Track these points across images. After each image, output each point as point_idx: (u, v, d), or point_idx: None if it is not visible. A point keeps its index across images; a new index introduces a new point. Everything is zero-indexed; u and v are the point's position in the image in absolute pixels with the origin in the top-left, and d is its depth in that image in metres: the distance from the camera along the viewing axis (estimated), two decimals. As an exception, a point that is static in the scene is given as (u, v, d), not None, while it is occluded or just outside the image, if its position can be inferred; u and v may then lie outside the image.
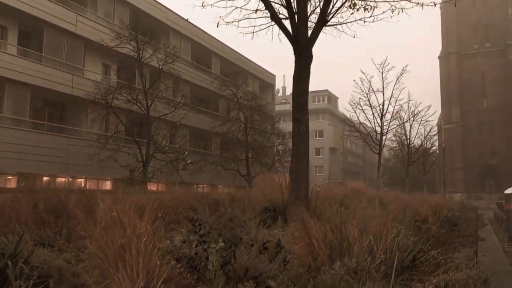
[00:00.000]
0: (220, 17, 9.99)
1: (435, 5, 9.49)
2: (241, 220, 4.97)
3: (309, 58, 10.08)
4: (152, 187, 24.15)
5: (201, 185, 32.86)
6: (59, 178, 22.92)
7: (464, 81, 54.89)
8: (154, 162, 22.37)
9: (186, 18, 32.88)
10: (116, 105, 22.21)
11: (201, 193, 14.44)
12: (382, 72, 17.18)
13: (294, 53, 10.07)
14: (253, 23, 10.19)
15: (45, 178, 21.80)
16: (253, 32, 10.45)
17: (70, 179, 23.03)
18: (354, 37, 10.46)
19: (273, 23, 10.13)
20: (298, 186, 9.38)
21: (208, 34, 33.82)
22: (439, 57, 57.47)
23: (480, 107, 54.05)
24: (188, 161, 25.82)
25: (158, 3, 30.26)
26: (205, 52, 35.40)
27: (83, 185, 23.36)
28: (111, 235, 3.59)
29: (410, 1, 9.40)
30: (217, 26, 9.96)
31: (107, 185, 24.70)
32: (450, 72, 55.69)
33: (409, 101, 23.27)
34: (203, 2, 9.54)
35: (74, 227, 5.83)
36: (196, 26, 33.83)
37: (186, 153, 26.78)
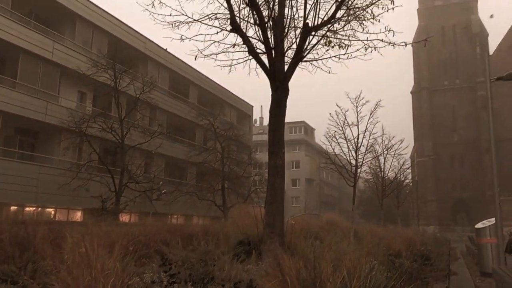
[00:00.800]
0: (199, 50, 10.11)
1: (406, 45, 9.86)
2: (214, 254, 4.89)
3: (286, 92, 10.26)
4: (124, 218, 23.58)
5: (176, 216, 32.29)
6: (28, 208, 22.15)
7: (436, 115, 56.63)
8: (127, 192, 21.92)
9: (165, 48, 33.19)
10: (90, 133, 21.86)
11: (175, 225, 14.18)
12: (356, 106, 17.59)
13: (271, 87, 10.24)
14: (230, 57, 10.35)
15: (13, 208, 21.04)
16: (231, 66, 10.60)
17: (39, 208, 22.29)
18: (329, 73, 10.69)
19: (250, 57, 10.32)
20: (273, 219, 9.33)
21: (186, 63, 34.11)
22: (411, 92, 59.35)
23: (452, 141, 55.63)
24: (163, 191, 25.43)
25: (138, 32, 30.48)
26: (183, 81, 35.58)
27: (52, 215, 22.62)
28: (78, 273, 3.47)
29: (382, 40, 9.72)
30: (195, 59, 10.06)
31: (78, 216, 23.98)
32: (422, 106, 57.43)
33: (383, 134, 23.74)
34: (181, 36, 9.65)
35: (40, 262, 5.60)
36: (175, 56, 34.10)
37: (161, 182, 26.42)
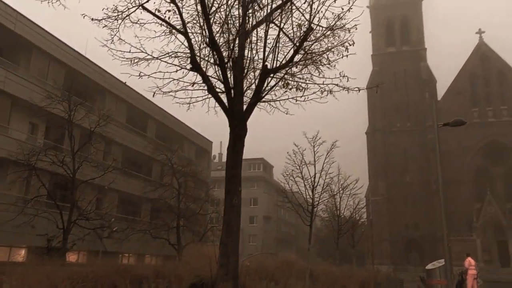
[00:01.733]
0: (157, 86, 10.06)
1: (359, 90, 10.25)
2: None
3: (244, 131, 10.34)
4: (71, 257, 22.32)
5: (127, 255, 30.96)
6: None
7: (389, 156, 58.61)
8: (76, 229, 20.85)
9: (124, 81, 32.82)
10: (40, 166, 20.88)
11: (125, 266, 13.54)
12: (313, 146, 17.88)
13: (229, 126, 10.28)
14: (190, 95, 10.34)
15: None
16: (190, 103, 10.58)
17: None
18: (286, 113, 10.88)
19: (209, 95, 10.38)
20: (228, 261, 9.13)
21: (145, 97, 33.83)
22: (366, 133, 61.39)
23: (404, 182, 57.46)
24: (114, 229, 24.41)
25: (96, 65, 30.06)
26: (142, 115, 35.13)
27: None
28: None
29: (337, 85, 10.07)
30: (153, 95, 9.99)
31: (21, 255, 22.44)
32: (376, 147, 59.39)
33: (339, 174, 24.15)
34: (140, 73, 9.59)
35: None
36: (134, 89, 33.76)
37: (113, 219, 25.39)
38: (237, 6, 10.59)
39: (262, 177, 64.84)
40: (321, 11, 10.22)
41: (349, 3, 10.21)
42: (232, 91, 10.13)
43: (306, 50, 10.60)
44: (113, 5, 9.72)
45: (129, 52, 9.59)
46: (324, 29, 10.47)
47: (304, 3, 10.31)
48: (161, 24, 10.02)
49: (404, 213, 56.09)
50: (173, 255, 27.24)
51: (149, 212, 32.90)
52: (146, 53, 9.73)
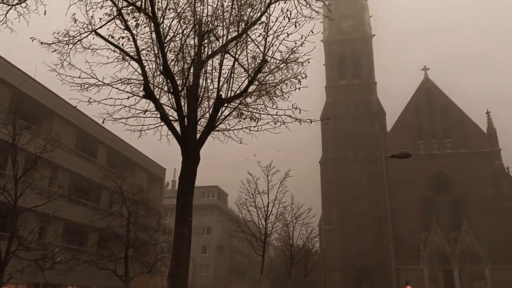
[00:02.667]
0: (108, 113, 9.81)
1: (311, 122, 10.48)
2: None
3: (196, 160, 10.22)
4: (8, 291, 20.77)
5: (71, 287, 29.26)
6: None
7: (341, 185, 59.82)
8: (15, 260, 19.50)
9: (75, 105, 31.75)
10: (-23, 193, 19.56)
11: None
12: (267, 175, 18.03)
13: (182, 154, 10.14)
14: (141, 122, 10.15)
15: None
16: (141, 131, 10.37)
17: None
18: (240, 143, 10.90)
19: (162, 123, 10.24)
20: (176, 294, 8.82)
21: (96, 122, 32.86)
22: (320, 162, 62.56)
23: (356, 211, 58.59)
24: (58, 260, 23.05)
25: (45, 88, 29.03)
26: (92, 140, 34.06)
27: None
28: None
29: (290, 116, 10.25)
30: (103, 122, 9.73)
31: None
32: (329, 176, 60.53)
33: (292, 203, 24.38)
34: (89, 99, 9.34)
35: None
36: (85, 114, 32.77)
37: (57, 250, 24.01)
38: (192, 36, 10.68)
39: (216, 205, 64.12)
40: (275, 45, 10.52)
41: (301, 38, 10.58)
42: (186, 120, 10.06)
43: (261, 81, 10.78)
44: (65, 29, 9.52)
45: (79, 77, 9.34)
46: (278, 61, 10.73)
47: (259, 36, 10.58)
48: (114, 50, 9.89)
49: (355, 242, 56.97)
50: (120, 287, 26.04)
51: (96, 242, 31.46)
52: (97, 79, 9.52)
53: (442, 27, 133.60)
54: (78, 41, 9.61)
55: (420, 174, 56.15)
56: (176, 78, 10.27)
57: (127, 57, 10.04)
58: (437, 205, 55.77)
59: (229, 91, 10.48)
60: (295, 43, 10.61)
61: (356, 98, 63.21)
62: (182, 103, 10.09)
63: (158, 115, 10.02)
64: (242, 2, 10.73)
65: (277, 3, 10.91)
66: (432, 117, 59.26)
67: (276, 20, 10.57)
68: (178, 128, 10.11)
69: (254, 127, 10.54)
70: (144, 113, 10.06)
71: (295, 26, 10.44)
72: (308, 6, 10.85)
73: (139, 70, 10.00)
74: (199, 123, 10.52)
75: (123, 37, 9.74)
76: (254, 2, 10.84)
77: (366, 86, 63.92)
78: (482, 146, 55.19)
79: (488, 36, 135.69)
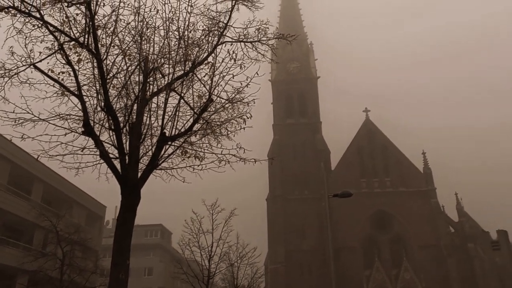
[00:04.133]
0: (43, 149, 9.32)
1: (255, 161, 10.53)
2: None
3: (137, 199, 9.86)
4: None
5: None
6: None
7: (288, 223, 59.96)
8: None
9: (9, 138, 30.00)
10: None
11: None
12: (212, 214, 17.72)
13: (121, 194, 9.75)
14: (79, 159, 9.72)
15: None
16: (79, 168, 9.91)
17: None
18: (183, 182, 10.69)
19: (101, 161, 9.85)
20: None
21: (33, 156, 31.12)
22: (266, 199, 62.66)
23: (301, 249, 58.71)
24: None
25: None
26: (27, 176, 32.08)
27: None
28: None
29: (234, 155, 10.25)
30: (37, 159, 9.21)
31: None
32: (276, 214, 60.59)
33: (237, 242, 24.01)
34: (23, 135, 8.85)
35: None
36: (20, 148, 30.99)
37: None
38: (137, 73, 10.56)
39: (160, 245, 61.83)
40: (221, 85, 10.63)
41: (247, 79, 10.77)
42: (127, 158, 9.75)
43: (206, 119, 10.77)
44: (0, 61, 9.09)
45: (13, 112, 8.86)
46: (224, 101, 10.81)
47: (205, 76, 10.66)
48: (53, 85, 9.53)
49: (301, 281, 56.72)
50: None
51: (25, 286, 29.07)
52: (33, 114, 9.07)
53: (382, 69, 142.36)
54: (15, 74, 9.20)
55: (363, 212, 57.64)
56: (119, 114, 10.03)
57: (67, 92, 9.71)
58: (379, 242, 57.18)
59: (174, 129, 10.36)
60: (241, 84, 10.80)
61: (302, 136, 64.77)
62: (124, 141, 9.82)
63: (98, 153, 9.66)
64: (190, 42, 10.83)
65: (223, 44, 11.12)
66: (374, 157, 61.70)
67: (222, 61, 10.75)
68: (118, 166, 9.78)
69: (198, 165, 10.43)
70: (82, 151, 9.65)
71: (241, 68, 10.65)
72: (254, 49, 11.16)
73: (80, 105, 9.69)
74: (141, 161, 10.25)
75: (63, 72, 9.45)
76: (202, 42, 10.99)
77: (312, 125, 65.79)
78: (419, 185, 57.95)
79: (423, 77, 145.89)
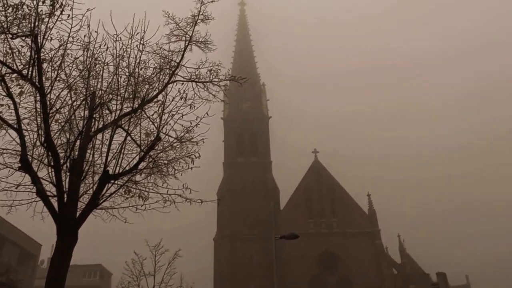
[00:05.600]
0: (-29, 185, 8.71)
1: (201, 202, 10.39)
2: None
3: (74, 240, 9.36)
4: None
5: None
6: None
7: (235, 263, 58.86)
8: None
9: None
10: None
11: None
12: (155, 255, 17.06)
13: (57, 233, 9.22)
14: (12, 196, 9.15)
15: None
16: (11, 206, 9.32)
17: None
18: (125, 222, 10.31)
19: (38, 199, 9.33)
20: None
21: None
22: (214, 239, 61.44)
23: (249, 289, 57.48)
24: None
25: None
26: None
27: None
28: None
29: (180, 196, 10.08)
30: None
31: None
32: (223, 254, 59.39)
33: (180, 285, 23.13)
34: None
35: None
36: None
37: None
38: (83, 108, 10.29)
39: (99, 286, 58.45)
40: (170, 123, 10.56)
41: (197, 119, 10.79)
42: (66, 196, 9.30)
43: (153, 158, 10.58)
44: None
45: None
46: (172, 139, 10.71)
47: (153, 114, 10.56)
48: (-10, 118, 9.05)
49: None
50: None
51: None
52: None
53: (331, 114, 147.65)
54: None
55: (311, 253, 57.80)
56: (60, 150, 9.64)
57: (5, 126, 9.24)
58: (326, 283, 57.23)
59: (118, 167, 10.07)
60: (191, 123, 10.78)
61: (253, 175, 64.91)
62: (64, 178, 9.40)
63: (34, 190, 9.16)
64: (140, 79, 10.77)
65: (175, 83, 11.15)
66: (321, 197, 62.70)
67: (172, 100, 10.73)
68: (55, 205, 9.30)
69: (142, 205, 10.14)
70: (17, 187, 9.11)
71: (191, 107, 10.67)
72: (205, 89, 11.26)
73: (18, 139, 9.23)
74: (80, 199, 9.81)
75: (2, 105, 9.03)
76: (152, 80, 10.95)
77: (262, 164, 66.24)
78: (364, 226, 59.24)
79: (368, 124, 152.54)
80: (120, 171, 10.03)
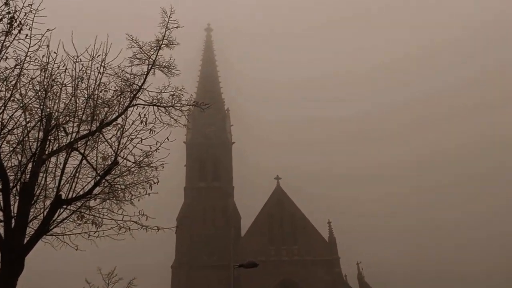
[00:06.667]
0: None
1: (158, 229, 10.16)
2: None
3: (20, 268, 8.89)
4: None
5: None
6: None
7: (193, 291, 57.38)
8: None
9: None
10: None
11: None
12: (108, 284, 16.40)
13: (2, 261, 8.73)
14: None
15: None
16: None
17: None
18: (76, 249, 9.90)
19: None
20: None
21: None
22: (171, 267, 59.86)
23: (206, 319, 56.02)
24: None
25: None
26: None
27: None
28: None
29: (136, 222, 9.83)
30: None
31: None
32: (181, 282, 57.87)
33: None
34: None
35: None
36: None
37: None
38: (38, 129, 9.95)
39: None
40: (129, 147, 10.37)
41: (156, 144, 10.66)
42: (13, 221, 8.87)
43: (110, 182, 10.31)
44: None
45: None
46: (131, 164, 10.50)
47: (112, 137, 10.35)
48: None
49: None
50: None
51: None
52: None
53: (294, 142, 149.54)
54: None
55: (271, 281, 57.24)
56: (10, 173, 9.24)
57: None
58: (286, 312, 56.66)
59: (71, 192, 9.74)
60: (151, 147, 10.64)
61: (214, 201, 64.26)
62: (13, 202, 8.98)
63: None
64: (99, 102, 10.58)
65: (135, 107, 11.02)
66: (283, 224, 62.70)
67: (132, 123, 10.58)
68: (1, 230, 8.83)
69: (95, 232, 9.79)
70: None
71: (151, 132, 10.54)
72: (167, 113, 11.18)
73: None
74: (30, 225, 9.37)
75: None
76: (112, 103, 10.78)
77: (224, 190, 65.78)
78: (324, 254, 59.48)
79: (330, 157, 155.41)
80: (74, 195, 9.71)
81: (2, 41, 8.85)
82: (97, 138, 10.44)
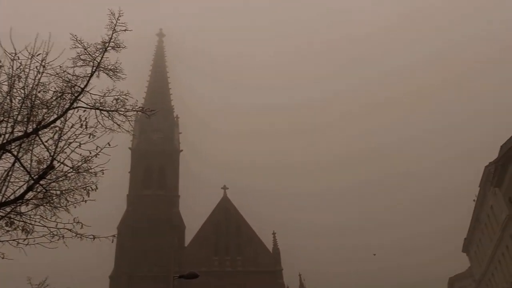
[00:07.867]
0: None
1: (94, 238, 9.76)
2: None
3: None
4: None
5: None
6: None
7: (132, 303, 55.50)
8: None
9: None
10: None
11: None
12: (38, 294, 15.46)
13: None
14: None
15: None
16: None
17: None
18: (3, 258, 9.28)
19: None
20: None
21: None
22: (110, 277, 57.59)
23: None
24: None
25: None
26: None
27: None
28: None
29: (70, 230, 9.40)
30: None
31: None
32: (120, 293, 55.83)
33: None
34: None
35: None
36: None
37: None
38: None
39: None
40: (66, 151, 9.94)
41: (97, 149, 10.27)
42: None
43: (44, 187, 9.81)
44: None
45: None
46: (68, 169, 10.06)
47: (48, 140, 9.87)
48: None
49: None
50: None
51: None
52: None
53: (239, 151, 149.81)
54: None
55: (212, 291, 56.60)
56: None
57: None
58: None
59: (1, 196, 9.16)
60: (90, 152, 10.24)
61: (159, 209, 62.67)
62: None
63: None
64: (37, 102, 10.09)
65: (76, 109, 10.61)
66: (228, 235, 62.36)
67: (72, 126, 10.17)
68: None
69: (24, 240, 9.23)
70: None
71: (91, 136, 10.15)
72: (110, 118, 10.84)
73: None
74: (-50, 231, 8.70)
75: None
76: (51, 104, 10.32)
77: (169, 198, 64.40)
78: (268, 266, 59.73)
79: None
80: (3, 200, 9.14)
81: None
82: (33, 141, 9.93)
